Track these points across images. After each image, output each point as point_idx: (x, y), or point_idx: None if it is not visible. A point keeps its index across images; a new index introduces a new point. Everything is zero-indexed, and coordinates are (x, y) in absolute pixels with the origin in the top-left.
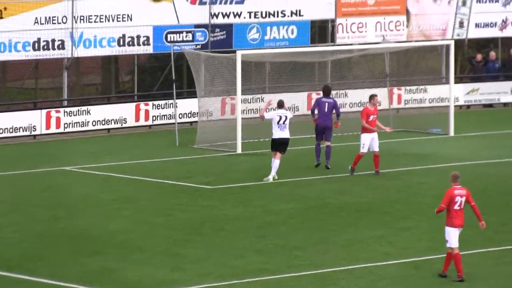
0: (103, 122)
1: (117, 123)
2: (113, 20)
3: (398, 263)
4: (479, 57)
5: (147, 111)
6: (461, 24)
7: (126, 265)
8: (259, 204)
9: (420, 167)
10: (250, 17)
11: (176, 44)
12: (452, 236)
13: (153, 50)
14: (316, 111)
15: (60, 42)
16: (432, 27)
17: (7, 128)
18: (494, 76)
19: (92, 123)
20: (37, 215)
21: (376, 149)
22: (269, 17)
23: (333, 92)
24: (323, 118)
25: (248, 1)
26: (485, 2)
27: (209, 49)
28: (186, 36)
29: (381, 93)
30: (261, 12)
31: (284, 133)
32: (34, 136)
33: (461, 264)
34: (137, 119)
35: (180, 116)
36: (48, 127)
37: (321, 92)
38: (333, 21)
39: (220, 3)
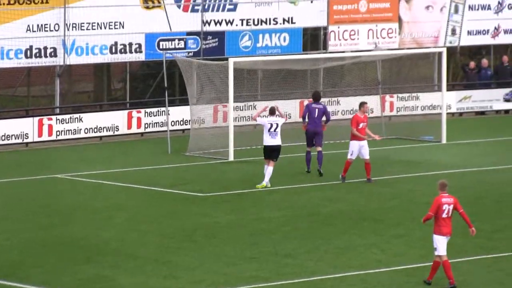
0: (95, 130)
1: (109, 130)
2: (105, 28)
3: (390, 271)
4: (472, 64)
5: (139, 119)
6: (453, 32)
7: (119, 272)
8: (251, 212)
9: (412, 174)
10: (242, 24)
11: (168, 51)
12: (441, 244)
13: (145, 57)
14: (306, 117)
15: (52, 49)
16: (424, 35)
17: None
18: (486, 83)
19: (85, 130)
20: (30, 223)
21: (367, 156)
22: (261, 24)
23: (326, 100)
24: (313, 124)
25: (240, 9)
26: (477, 9)
27: (201, 57)
28: (178, 44)
29: (373, 100)
30: (253, 20)
31: (275, 141)
32: (26, 143)
33: (451, 271)
34: (129, 127)
35: (172, 123)
36: (40, 134)
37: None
38: (325, 28)
39: (212, 10)
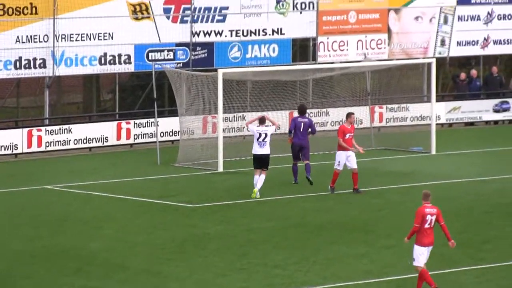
0: (85, 141)
1: (99, 141)
2: (94, 39)
3: (380, 282)
4: (462, 75)
5: (128, 130)
6: (442, 42)
7: (108, 283)
8: (240, 223)
9: (402, 185)
10: (231, 35)
11: (158, 62)
12: (421, 255)
13: (134, 68)
14: (293, 131)
15: (41, 60)
16: (414, 45)
17: None
18: (475, 94)
19: (74, 141)
20: (18, 234)
21: (354, 166)
22: (250, 35)
23: (315, 111)
24: (298, 137)
25: (229, 20)
26: (467, 20)
27: (191, 68)
28: (167, 55)
29: (363, 111)
30: (243, 31)
31: (263, 150)
32: (16, 154)
33: (429, 276)
34: (118, 138)
35: (162, 134)
36: (29, 145)
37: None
38: (314, 39)
39: (202, 21)
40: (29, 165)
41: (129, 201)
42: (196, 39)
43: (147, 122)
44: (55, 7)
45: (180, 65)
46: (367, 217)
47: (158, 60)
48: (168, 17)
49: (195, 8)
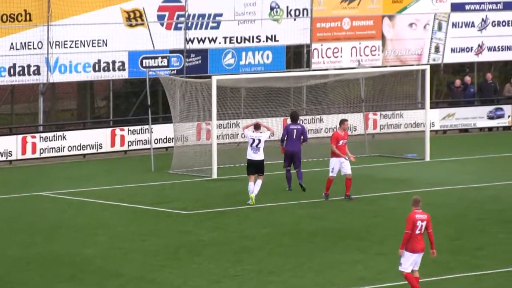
0: (79, 148)
1: (93, 148)
2: (88, 46)
3: None
4: (457, 82)
5: (122, 136)
6: (436, 49)
7: None
8: (235, 229)
9: (396, 192)
10: (225, 42)
11: (152, 69)
12: (408, 260)
13: (128, 75)
14: (285, 139)
15: (35, 67)
16: (408, 52)
17: None
18: (469, 101)
19: (68, 148)
20: (13, 240)
21: (349, 172)
22: (244, 42)
23: (309, 117)
24: (291, 145)
25: (223, 27)
26: (461, 26)
27: (185, 75)
28: (161, 62)
29: (357, 118)
30: (236, 38)
31: (256, 155)
32: (10, 161)
33: (414, 280)
34: (112, 145)
35: (156, 141)
36: (24, 152)
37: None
38: (308, 46)
39: (196, 28)
40: (24, 172)
41: (123, 208)
42: (190, 46)
43: (141, 129)
44: (49, 14)
45: (174, 72)
46: (361, 224)
47: (152, 67)
48: (162, 24)
49: (189, 15)
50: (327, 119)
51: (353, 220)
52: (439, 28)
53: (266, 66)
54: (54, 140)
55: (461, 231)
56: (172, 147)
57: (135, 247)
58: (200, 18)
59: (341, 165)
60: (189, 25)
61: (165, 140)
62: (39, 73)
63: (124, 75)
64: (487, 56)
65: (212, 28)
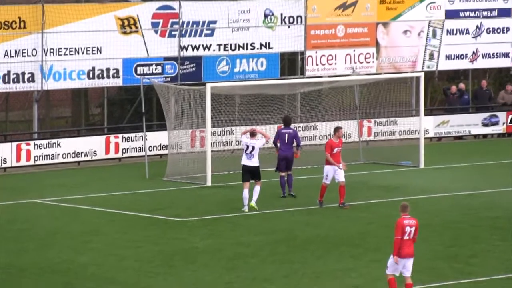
0: (73, 155)
1: (87, 155)
2: (82, 53)
3: None
4: (453, 88)
5: (117, 144)
6: (431, 56)
7: None
8: (229, 236)
9: (390, 199)
10: (219, 49)
11: (146, 76)
12: (394, 265)
13: (122, 82)
14: (278, 143)
15: (30, 75)
16: (402, 59)
17: None
18: (464, 108)
19: (62, 155)
20: (7, 248)
21: (342, 179)
22: (238, 49)
23: (303, 125)
24: (283, 149)
25: (217, 34)
26: (455, 34)
27: (179, 82)
28: (155, 69)
29: (351, 125)
30: (231, 45)
31: (250, 162)
32: (5, 168)
33: (395, 286)
34: (107, 152)
35: (150, 148)
36: (18, 159)
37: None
38: (302, 53)
39: (190, 35)
40: (18, 179)
41: (117, 215)
42: (184, 53)
43: (136, 136)
44: (43, 22)
45: (168, 79)
46: (355, 231)
47: (147, 74)
48: (156, 31)
49: (183, 22)
50: (321, 126)
51: (348, 227)
52: (434, 35)
53: (260, 73)
54: (49, 148)
55: (455, 238)
56: (167, 154)
57: (129, 254)
58: (194, 26)
59: (335, 173)
60: (183, 32)
61: (159, 148)
62: (33, 81)
63: (119, 82)
64: (481, 63)
65: (206, 35)
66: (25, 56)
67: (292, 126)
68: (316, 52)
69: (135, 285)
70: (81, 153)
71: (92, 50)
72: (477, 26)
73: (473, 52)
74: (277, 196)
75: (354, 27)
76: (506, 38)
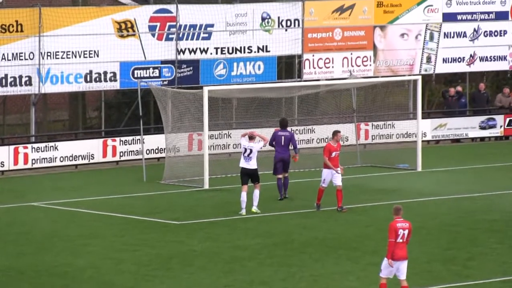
0: (71, 158)
1: (85, 159)
2: (80, 56)
3: None
4: (452, 91)
5: (114, 147)
6: (428, 59)
7: None
8: (226, 240)
9: (387, 202)
10: (216, 53)
11: (143, 80)
12: (387, 267)
13: (120, 86)
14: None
15: (27, 78)
16: (399, 62)
17: None
18: (461, 111)
19: (60, 159)
20: (5, 250)
21: (339, 183)
22: (235, 53)
23: (300, 128)
24: (280, 151)
25: (214, 37)
26: (453, 37)
27: (176, 85)
28: (153, 72)
29: (348, 128)
30: (228, 48)
31: (248, 165)
32: (2, 172)
33: None
34: (104, 155)
35: (148, 152)
36: (16, 163)
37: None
38: (299, 56)
39: (187, 39)
40: (16, 182)
41: (115, 218)
42: (181, 57)
43: (133, 139)
44: (40, 25)
45: (165, 82)
46: (353, 234)
47: (144, 77)
48: (153, 35)
49: (180, 26)
50: (318, 129)
51: (345, 230)
52: (431, 38)
53: (258, 76)
54: (46, 151)
55: (453, 241)
56: (164, 157)
57: (127, 257)
58: (192, 29)
59: (332, 177)
60: (181, 35)
61: (157, 151)
62: (30, 84)
63: (116, 85)
64: (479, 66)
65: (203, 38)
66: (22, 59)
67: (289, 128)
68: (313, 55)
69: None
70: (79, 156)
71: (90, 54)
72: (474, 29)
73: (471, 55)
74: (274, 199)
75: (351, 30)
76: (504, 41)
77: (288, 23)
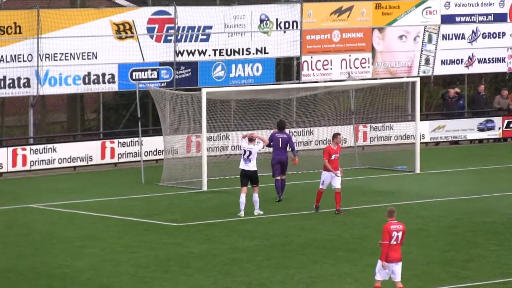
0: (69, 160)
1: (83, 160)
2: (78, 58)
3: None
4: (451, 92)
5: (112, 149)
6: (427, 61)
7: None
8: (224, 241)
9: (386, 204)
10: (215, 54)
11: (141, 82)
12: (382, 269)
13: (118, 87)
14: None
15: (25, 80)
16: (398, 64)
17: None
18: (460, 113)
19: (58, 160)
20: (4, 252)
21: (338, 186)
22: (234, 54)
23: (299, 130)
24: (277, 153)
25: (213, 39)
26: (451, 39)
27: (174, 87)
28: (151, 74)
29: (347, 130)
30: (226, 50)
31: (248, 166)
32: (1, 173)
33: None
34: (102, 157)
35: (146, 153)
36: (14, 164)
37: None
38: (298, 58)
39: (185, 40)
40: (14, 184)
41: (113, 220)
42: (179, 58)
43: (131, 141)
44: (39, 27)
45: (164, 84)
46: (351, 236)
47: (142, 79)
48: (151, 37)
49: (178, 28)
50: (317, 131)
51: (343, 232)
52: (429, 40)
53: (256, 78)
54: (44, 153)
55: (452, 243)
56: (162, 159)
57: (125, 259)
58: (190, 31)
59: (332, 179)
60: (179, 37)
61: (155, 153)
62: (29, 86)
63: (114, 87)
64: (477, 68)
65: (201, 40)
66: (20, 61)
67: (286, 130)
68: (311, 57)
69: None
70: (77, 158)
71: (88, 55)
72: (473, 31)
73: (469, 57)
74: (272, 200)
75: (350, 32)
76: (502, 43)
77: (287, 25)
